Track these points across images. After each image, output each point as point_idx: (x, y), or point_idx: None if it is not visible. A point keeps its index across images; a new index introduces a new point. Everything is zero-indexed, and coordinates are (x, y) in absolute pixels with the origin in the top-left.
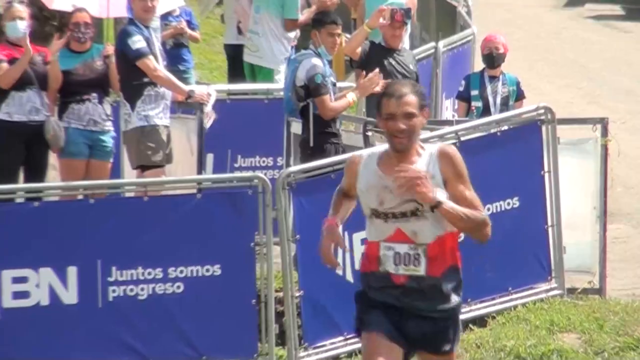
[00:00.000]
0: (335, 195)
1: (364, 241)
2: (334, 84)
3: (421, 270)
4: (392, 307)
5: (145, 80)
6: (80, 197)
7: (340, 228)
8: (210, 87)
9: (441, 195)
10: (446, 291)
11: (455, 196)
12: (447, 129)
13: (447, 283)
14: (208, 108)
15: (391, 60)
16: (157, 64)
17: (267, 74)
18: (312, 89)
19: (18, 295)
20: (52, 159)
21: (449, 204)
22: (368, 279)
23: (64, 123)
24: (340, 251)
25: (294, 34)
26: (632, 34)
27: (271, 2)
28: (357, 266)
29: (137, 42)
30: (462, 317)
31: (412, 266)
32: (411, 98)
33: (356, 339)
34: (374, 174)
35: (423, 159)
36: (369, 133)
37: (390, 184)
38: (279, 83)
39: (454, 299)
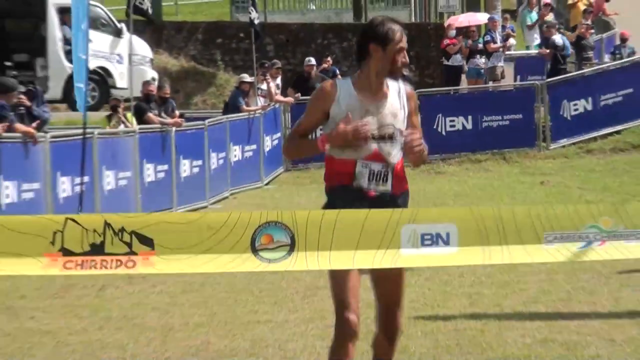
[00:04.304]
0: (292, 141)
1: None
2: None
3: (388, 187)
4: None
5: None
6: None
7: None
8: None
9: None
10: (402, 205)
11: (413, 126)
12: None
13: (404, 199)
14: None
15: None
16: None
17: None
18: None
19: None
20: None
21: (425, 152)
22: (338, 191)
23: None
24: None
25: None
26: None
27: None
28: None
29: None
30: None
31: (381, 183)
32: None
33: None
34: (354, 98)
35: (392, 92)
36: None
37: (372, 108)
38: None
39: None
